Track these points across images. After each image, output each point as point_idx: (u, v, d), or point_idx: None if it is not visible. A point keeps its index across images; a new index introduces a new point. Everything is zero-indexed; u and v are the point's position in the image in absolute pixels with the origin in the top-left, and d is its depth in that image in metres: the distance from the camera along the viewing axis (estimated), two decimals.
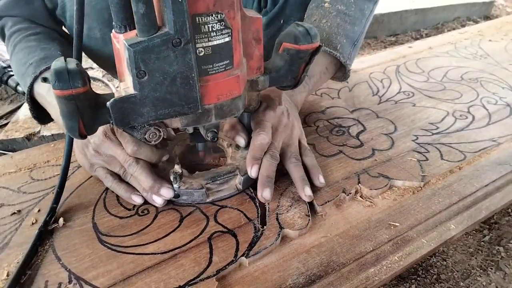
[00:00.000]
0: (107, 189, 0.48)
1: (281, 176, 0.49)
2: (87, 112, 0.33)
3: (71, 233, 0.42)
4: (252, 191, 0.47)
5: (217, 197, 0.46)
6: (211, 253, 0.39)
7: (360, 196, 0.47)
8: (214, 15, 0.32)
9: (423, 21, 2.03)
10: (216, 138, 0.42)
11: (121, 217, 0.44)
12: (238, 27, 0.35)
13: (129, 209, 0.45)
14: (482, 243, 0.73)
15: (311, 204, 0.45)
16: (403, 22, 1.96)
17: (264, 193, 0.43)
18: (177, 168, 0.43)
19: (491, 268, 0.68)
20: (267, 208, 0.44)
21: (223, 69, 0.35)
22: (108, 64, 0.65)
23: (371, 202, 0.46)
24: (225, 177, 0.46)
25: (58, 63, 0.31)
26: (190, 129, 0.43)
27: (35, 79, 0.51)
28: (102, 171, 0.47)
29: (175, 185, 0.43)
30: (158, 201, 0.44)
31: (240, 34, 0.36)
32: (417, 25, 2.02)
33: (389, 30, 1.94)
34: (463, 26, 2.06)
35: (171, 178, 0.42)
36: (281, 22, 0.65)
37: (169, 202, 0.46)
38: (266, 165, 0.45)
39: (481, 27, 1.08)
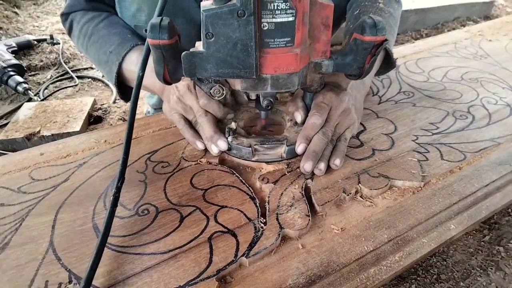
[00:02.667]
0: (107, 188, 0.48)
1: (282, 176, 0.49)
2: (171, 61, 0.40)
3: (71, 233, 0.42)
4: (252, 191, 0.47)
5: (262, 158, 0.51)
6: (211, 253, 0.39)
7: (360, 196, 0.47)
8: None
9: (423, 21, 2.03)
10: (270, 107, 0.47)
11: (121, 217, 0.44)
12: (304, 10, 0.39)
13: (129, 209, 0.45)
14: (482, 243, 0.73)
15: (311, 204, 0.45)
16: (403, 22, 1.97)
17: (306, 165, 0.48)
18: (233, 124, 0.52)
19: (491, 268, 0.68)
20: (267, 208, 0.44)
21: (284, 45, 0.40)
22: None
23: (371, 202, 0.46)
24: (273, 144, 0.51)
25: (154, 20, 0.38)
26: (253, 96, 0.49)
27: (120, 65, 0.60)
28: (178, 116, 0.55)
29: (229, 138, 0.50)
30: (214, 149, 0.51)
31: (306, 16, 0.40)
32: (417, 25, 2.02)
33: None
34: (463, 26, 2.06)
35: (226, 131, 0.51)
36: None
37: (170, 202, 0.46)
38: (316, 140, 0.49)
39: (481, 27, 1.08)
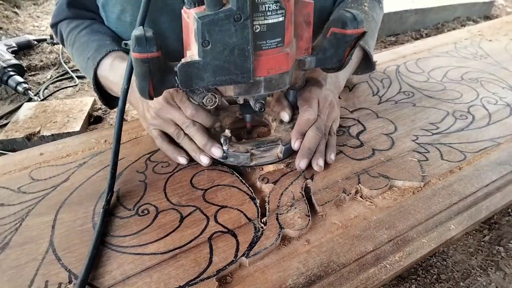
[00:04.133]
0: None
1: (282, 176, 0.49)
2: (157, 75, 0.38)
3: (71, 233, 0.42)
4: (252, 191, 0.47)
5: (260, 162, 0.51)
6: (211, 253, 0.39)
7: (360, 196, 0.47)
8: None
9: (423, 21, 2.03)
10: (263, 109, 0.46)
11: (121, 217, 0.44)
12: (292, 9, 0.39)
13: (129, 209, 0.45)
14: (482, 243, 0.73)
15: (311, 204, 0.45)
16: (403, 22, 1.96)
17: (301, 163, 0.49)
18: (227, 132, 0.50)
19: (491, 268, 0.68)
20: (267, 208, 0.44)
21: (275, 46, 0.40)
22: None
23: (371, 202, 0.46)
24: (268, 145, 0.50)
25: (137, 31, 0.36)
26: (241, 100, 0.47)
27: (95, 70, 0.58)
28: (156, 132, 0.53)
29: (224, 147, 0.49)
30: (204, 160, 0.50)
31: (292, 15, 0.40)
32: (417, 25, 2.02)
33: (389, 30, 1.94)
34: (463, 26, 2.06)
35: (222, 140, 0.49)
36: None
37: (170, 202, 0.46)
38: (310, 136, 0.50)
39: (481, 27, 1.08)
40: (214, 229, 0.42)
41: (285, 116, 0.53)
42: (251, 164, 0.50)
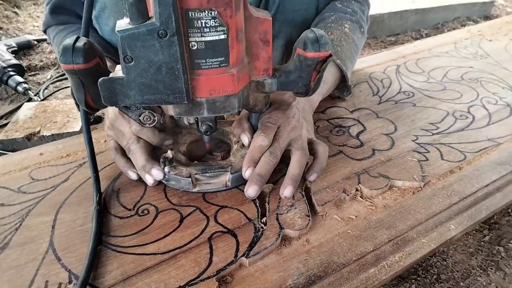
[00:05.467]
0: (107, 188, 0.48)
1: (283, 176, 0.49)
2: (92, 87, 0.36)
3: (71, 233, 0.42)
4: None
5: (204, 188, 0.47)
6: (211, 253, 0.39)
7: (360, 196, 0.47)
8: (207, 12, 0.33)
9: (423, 21, 2.03)
10: (209, 132, 0.43)
11: (121, 217, 0.44)
12: (238, 26, 0.35)
13: (129, 209, 0.45)
14: (482, 243, 0.73)
15: (311, 204, 0.45)
16: (403, 22, 1.96)
17: (249, 190, 0.44)
18: (168, 153, 0.46)
19: (491, 268, 0.68)
20: (267, 208, 0.44)
21: (217, 66, 0.36)
22: None
23: (371, 202, 0.46)
24: (215, 172, 0.46)
25: (68, 40, 0.33)
26: (191, 120, 0.44)
27: None
28: (113, 143, 0.50)
29: (166, 169, 0.45)
30: (149, 180, 0.46)
31: (241, 33, 0.36)
32: (417, 25, 2.02)
33: (389, 30, 1.94)
34: (463, 26, 2.06)
35: (160, 162, 0.45)
36: None
37: (170, 202, 0.46)
38: (263, 162, 0.45)
39: (481, 27, 1.08)
40: (214, 229, 0.42)
41: (245, 139, 0.48)
42: (194, 190, 0.46)
